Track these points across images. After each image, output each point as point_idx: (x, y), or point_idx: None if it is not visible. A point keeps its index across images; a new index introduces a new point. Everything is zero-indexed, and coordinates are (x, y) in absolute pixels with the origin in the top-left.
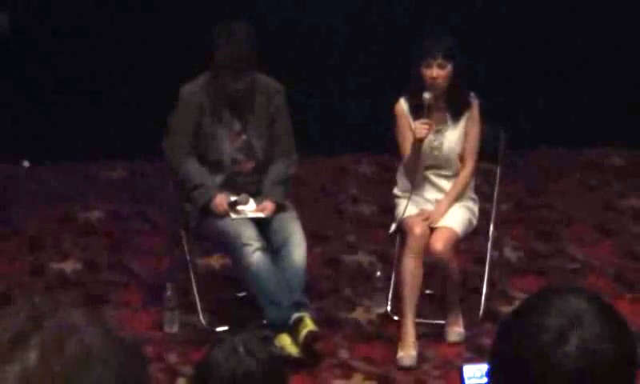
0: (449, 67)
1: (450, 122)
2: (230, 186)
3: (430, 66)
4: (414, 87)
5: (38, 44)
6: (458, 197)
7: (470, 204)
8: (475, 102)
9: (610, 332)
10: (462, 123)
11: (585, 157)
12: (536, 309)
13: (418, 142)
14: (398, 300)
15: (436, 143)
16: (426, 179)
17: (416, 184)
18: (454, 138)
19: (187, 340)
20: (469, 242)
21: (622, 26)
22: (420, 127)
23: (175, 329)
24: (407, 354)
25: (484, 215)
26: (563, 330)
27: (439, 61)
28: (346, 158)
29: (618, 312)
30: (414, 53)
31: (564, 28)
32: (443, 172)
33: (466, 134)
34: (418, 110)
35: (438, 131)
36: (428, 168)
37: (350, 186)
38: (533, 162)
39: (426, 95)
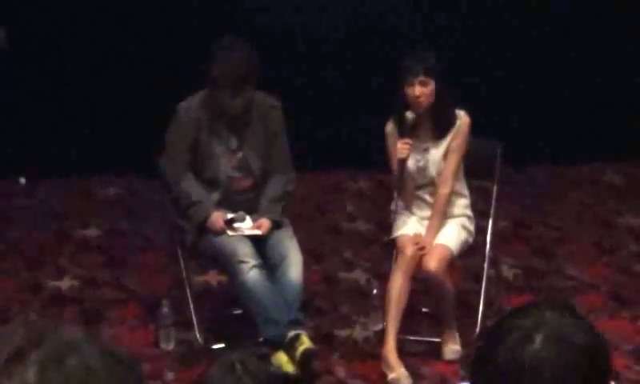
0: (431, 85)
1: (434, 140)
2: (227, 204)
3: (412, 85)
4: (398, 107)
5: (35, 60)
6: (442, 220)
7: (466, 222)
8: (465, 119)
9: (576, 333)
10: (446, 141)
11: (581, 174)
12: (510, 316)
13: (401, 162)
14: None
15: (422, 163)
16: (419, 198)
17: (407, 203)
18: (438, 156)
19: (183, 357)
20: (465, 259)
21: (618, 43)
22: (401, 147)
23: (171, 346)
24: (399, 373)
25: (480, 233)
26: (529, 330)
27: (421, 78)
28: (342, 174)
29: (587, 322)
30: (397, 73)
31: (561, 44)
32: (435, 190)
33: (447, 152)
34: (402, 130)
35: (425, 150)
36: (420, 187)
37: (347, 203)
38: (529, 179)
39: (409, 114)
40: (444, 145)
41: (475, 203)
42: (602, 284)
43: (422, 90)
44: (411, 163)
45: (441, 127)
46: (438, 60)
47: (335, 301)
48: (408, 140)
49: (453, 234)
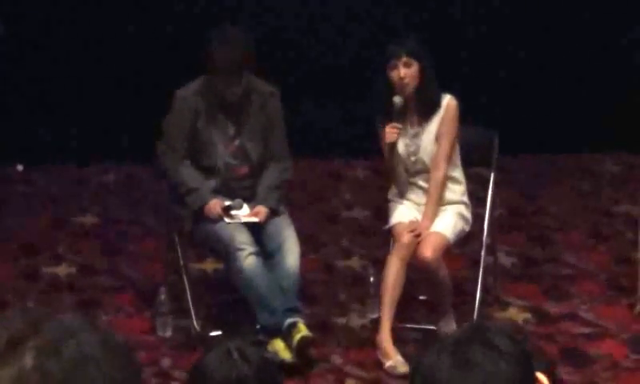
0: (415, 66)
1: (423, 125)
2: (224, 191)
3: (395, 67)
4: (383, 94)
5: (32, 46)
6: (437, 204)
7: (463, 209)
8: (451, 103)
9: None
10: (434, 124)
11: (579, 162)
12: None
13: (390, 147)
14: None
15: (412, 148)
16: (414, 185)
17: (400, 189)
18: (428, 140)
19: (180, 344)
20: (463, 246)
21: (617, 31)
22: (389, 131)
23: (168, 333)
24: (395, 360)
25: (478, 220)
26: (441, 347)
27: (404, 59)
28: (339, 162)
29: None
30: (380, 60)
31: (559, 32)
32: (429, 177)
33: (438, 136)
34: (390, 115)
35: (415, 135)
36: (414, 174)
37: (344, 191)
38: (527, 167)
39: (396, 99)
40: (433, 129)
41: (473, 191)
42: (600, 272)
43: (405, 72)
44: (401, 148)
45: (427, 109)
46: (419, 42)
47: (332, 288)
48: (396, 124)
49: (449, 222)
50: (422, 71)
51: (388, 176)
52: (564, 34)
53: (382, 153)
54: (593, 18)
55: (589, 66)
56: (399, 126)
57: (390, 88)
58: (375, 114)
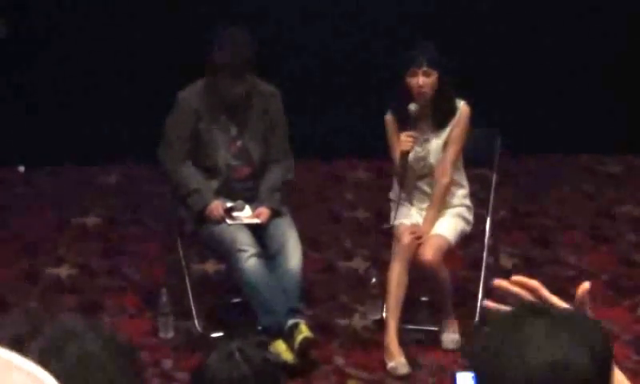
0: (434, 75)
1: (435, 131)
2: (226, 192)
3: (415, 75)
4: (400, 99)
5: (34, 48)
6: (439, 209)
7: (464, 211)
8: (464, 109)
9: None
10: (446, 131)
11: (580, 163)
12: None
13: (404, 154)
14: None
15: (422, 153)
16: (418, 189)
17: (407, 193)
18: (438, 146)
19: (182, 346)
20: (465, 248)
21: (618, 32)
22: (405, 140)
23: (170, 334)
24: (398, 362)
25: (480, 221)
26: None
27: (424, 69)
28: (341, 163)
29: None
30: (399, 64)
31: (561, 33)
32: (434, 181)
33: (447, 142)
34: (404, 122)
35: (425, 141)
36: (420, 178)
37: (346, 192)
38: (528, 168)
39: (412, 107)
40: (444, 135)
41: (475, 192)
42: (601, 273)
43: (425, 81)
44: (411, 154)
45: (441, 117)
46: (439, 50)
47: (334, 289)
48: (412, 133)
49: (449, 225)
50: (440, 80)
51: (397, 180)
52: (565, 35)
53: (385, 152)
54: (594, 18)
55: (590, 66)
56: (415, 134)
57: (407, 94)
58: (385, 110)
